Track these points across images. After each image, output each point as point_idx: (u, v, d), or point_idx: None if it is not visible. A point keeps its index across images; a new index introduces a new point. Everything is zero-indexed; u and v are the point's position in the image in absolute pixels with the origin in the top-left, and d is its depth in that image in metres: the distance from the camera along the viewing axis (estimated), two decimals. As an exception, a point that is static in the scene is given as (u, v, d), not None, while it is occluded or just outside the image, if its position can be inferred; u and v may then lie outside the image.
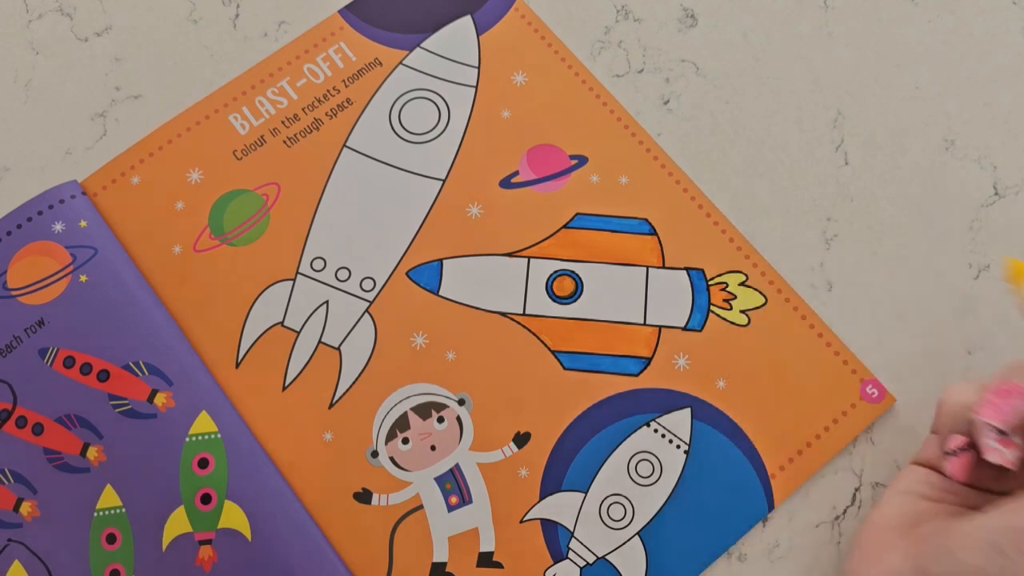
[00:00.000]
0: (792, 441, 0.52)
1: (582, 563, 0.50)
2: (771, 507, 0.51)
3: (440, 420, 0.52)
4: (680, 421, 0.52)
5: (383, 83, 0.58)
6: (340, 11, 0.60)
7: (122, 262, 0.54)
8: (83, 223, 0.54)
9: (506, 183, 0.56)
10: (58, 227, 0.54)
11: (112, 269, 0.54)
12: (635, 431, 0.52)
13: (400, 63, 0.59)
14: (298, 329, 0.54)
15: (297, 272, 0.54)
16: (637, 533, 0.50)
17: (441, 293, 0.54)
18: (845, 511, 0.51)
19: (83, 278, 0.53)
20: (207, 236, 0.55)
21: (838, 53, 0.59)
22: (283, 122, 0.57)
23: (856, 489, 0.52)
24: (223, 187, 0.56)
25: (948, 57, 0.59)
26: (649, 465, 0.51)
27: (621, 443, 0.52)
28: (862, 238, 0.56)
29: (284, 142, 0.57)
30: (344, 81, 0.59)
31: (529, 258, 0.55)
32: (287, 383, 0.53)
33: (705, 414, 0.52)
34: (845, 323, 0.54)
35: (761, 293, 0.54)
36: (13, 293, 0.53)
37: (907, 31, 0.60)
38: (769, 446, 0.52)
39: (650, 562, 0.50)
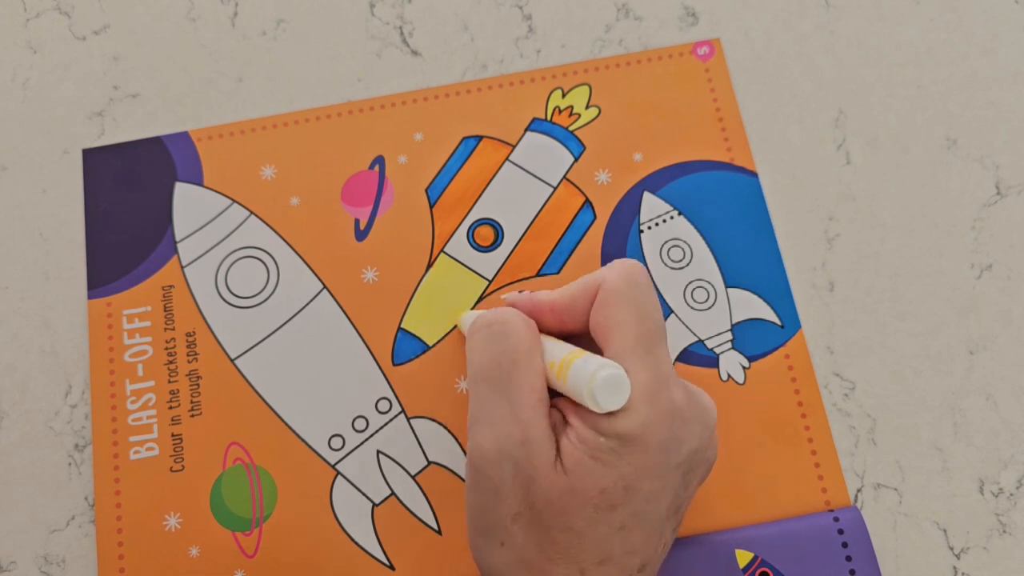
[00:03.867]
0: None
1: None
2: None
3: None
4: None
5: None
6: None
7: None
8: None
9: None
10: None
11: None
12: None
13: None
14: (393, 493, 0.52)
15: (335, 469, 0.53)
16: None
17: (430, 344, 0.54)
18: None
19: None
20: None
21: (840, 52, 0.59)
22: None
23: (858, 490, 0.52)
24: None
25: (950, 56, 0.59)
26: None
27: None
28: (864, 238, 0.56)
29: None
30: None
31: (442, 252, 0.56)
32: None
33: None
34: (846, 323, 0.54)
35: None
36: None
37: (909, 30, 0.59)
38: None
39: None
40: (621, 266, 0.43)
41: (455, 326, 0.54)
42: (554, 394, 0.43)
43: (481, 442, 0.40)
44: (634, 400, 0.39)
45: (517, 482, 0.39)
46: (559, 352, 0.42)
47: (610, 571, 0.40)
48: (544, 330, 0.45)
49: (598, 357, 0.40)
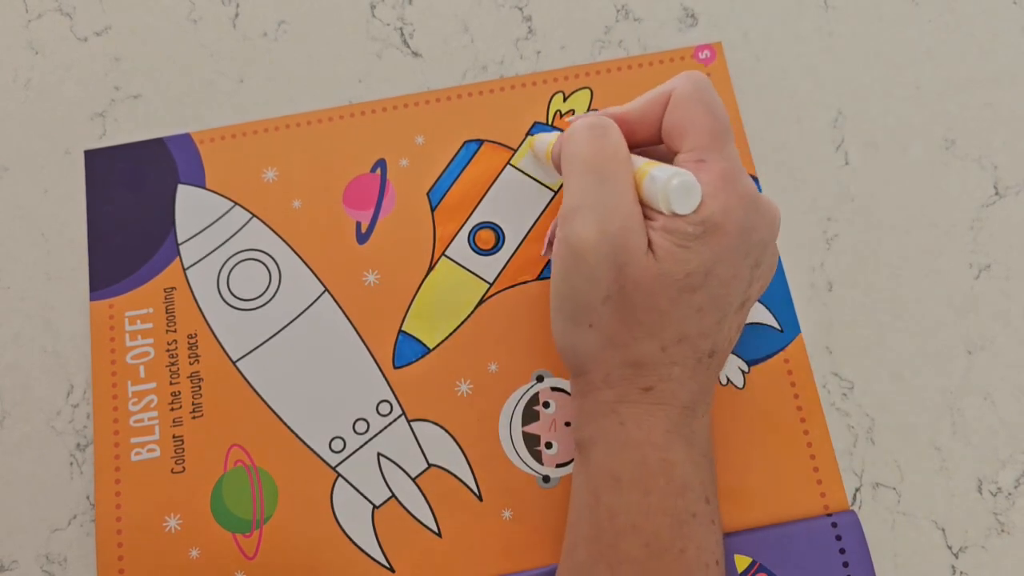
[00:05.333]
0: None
1: None
2: None
3: (547, 406, 0.53)
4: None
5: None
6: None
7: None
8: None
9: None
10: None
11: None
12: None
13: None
14: (393, 495, 0.52)
15: (336, 471, 0.53)
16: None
17: (431, 347, 0.54)
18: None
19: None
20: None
21: (838, 53, 0.59)
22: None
23: (857, 489, 0.52)
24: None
25: (949, 56, 0.59)
26: None
27: None
28: (862, 238, 0.56)
29: None
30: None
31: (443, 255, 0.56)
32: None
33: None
34: (845, 323, 0.54)
35: None
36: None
37: (908, 30, 0.60)
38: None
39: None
40: (688, 75, 0.46)
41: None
42: None
43: (581, 229, 0.43)
44: (715, 187, 0.42)
45: (611, 266, 0.42)
46: (636, 163, 0.45)
47: (685, 350, 0.44)
48: None
49: (670, 166, 0.43)
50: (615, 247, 0.42)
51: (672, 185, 0.41)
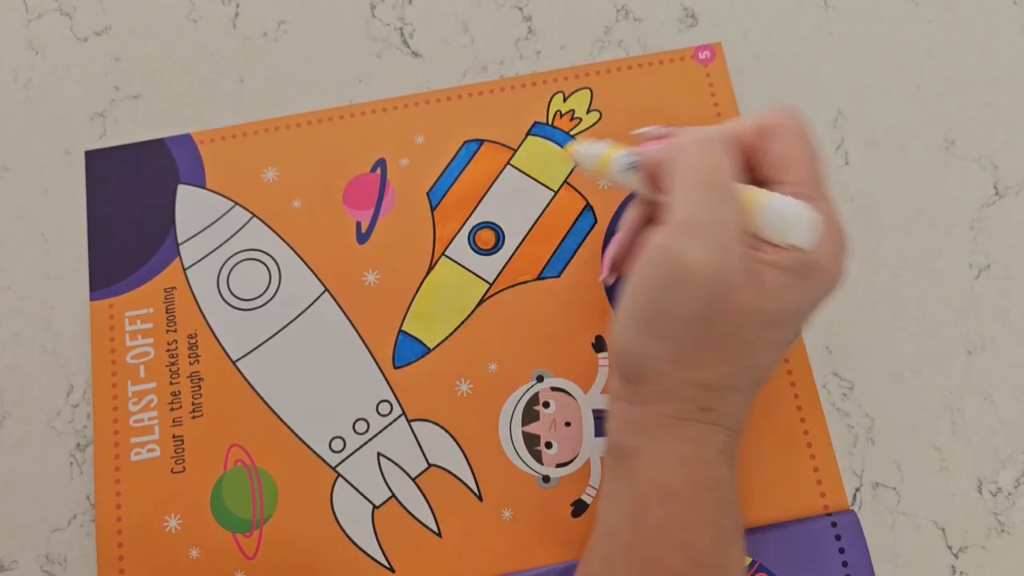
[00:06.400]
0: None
1: None
2: None
3: (547, 406, 0.53)
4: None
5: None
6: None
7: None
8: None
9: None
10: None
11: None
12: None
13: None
14: (393, 495, 0.52)
15: (336, 471, 0.53)
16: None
17: (431, 347, 0.54)
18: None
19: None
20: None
21: (838, 53, 0.59)
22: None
23: (857, 489, 0.52)
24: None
25: (948, 57, 0.59)
26: None
27: None
28: (863, 238, 0.56)
29: None
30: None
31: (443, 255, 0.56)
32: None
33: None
34: (845, 323, 0.54)
35: None
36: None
37: (908, 31, 0.60)
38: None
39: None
40: (788, 108, 0.45)
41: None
42: None
43: (692, 246, 0.41)
44: (827, 229, 0.41)
45: (710, 291, 0.40)
46: (741, 187, 0.43)
47: (750, 378, 0.43)
48: None
49: (785, 196, 0.41)
50: (720, 274, 0.40)
51: (796, 217, 0.40)
